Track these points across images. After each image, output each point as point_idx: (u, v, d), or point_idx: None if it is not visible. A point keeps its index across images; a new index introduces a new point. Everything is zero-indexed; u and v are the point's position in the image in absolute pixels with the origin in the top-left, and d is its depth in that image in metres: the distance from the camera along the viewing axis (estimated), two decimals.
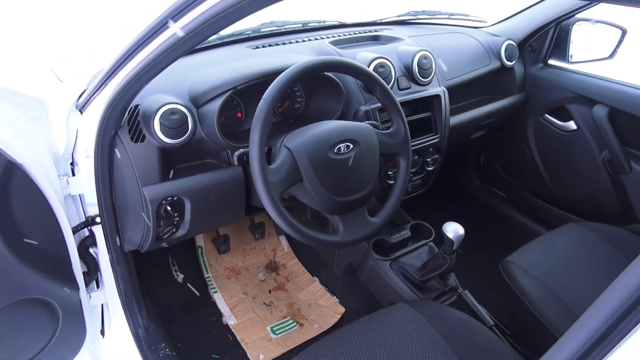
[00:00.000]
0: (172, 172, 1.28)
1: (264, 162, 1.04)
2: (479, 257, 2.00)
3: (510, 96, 1.92)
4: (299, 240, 1.12)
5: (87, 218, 1.38)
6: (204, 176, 1.30)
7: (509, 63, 1.83)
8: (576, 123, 1.81)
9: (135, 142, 1.20)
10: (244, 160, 1.21)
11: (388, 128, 1.29)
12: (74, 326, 1.36)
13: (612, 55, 1.85)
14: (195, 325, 1.71)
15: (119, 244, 1.41)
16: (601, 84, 1.73)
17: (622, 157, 1.67)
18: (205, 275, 1.88)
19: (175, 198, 1.27)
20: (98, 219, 1.37)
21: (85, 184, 1.32)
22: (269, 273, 1.95)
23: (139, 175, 1.22)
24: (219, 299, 1.81)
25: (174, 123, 1.18)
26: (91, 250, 1.46)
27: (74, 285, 1.31)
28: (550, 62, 1.92)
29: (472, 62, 1.75)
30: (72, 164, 1.36)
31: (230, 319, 1.74)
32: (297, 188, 1.14)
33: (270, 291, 1.88)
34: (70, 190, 1.33)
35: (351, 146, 1.13)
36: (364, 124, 1.19)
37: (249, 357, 1.61)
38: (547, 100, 1.90)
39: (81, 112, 1.28)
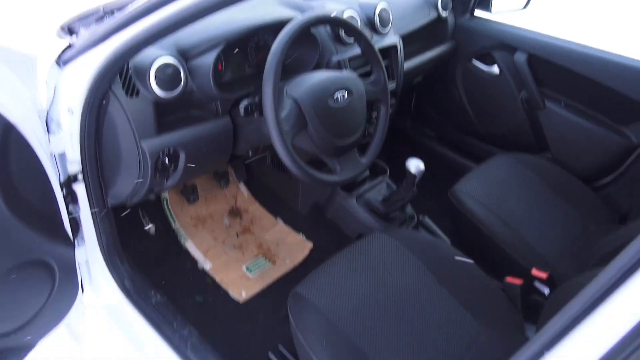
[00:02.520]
0: (164, 125, 1.31)
1: (279, 113, 1.13)
2: (423, 189, 2.27)
3: (443, 44, 2.13)
4: (306, 181, 1.24)
5: (69, 176, 1.37)
6: (197, 128, 1.35)
7: (444, 13, 2.03)
8: (499, 67, 2.08)
9: (129, 97, 1.21)
10: (249, 110, 1.28)
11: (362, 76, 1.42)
12: (68, 283, 1.37)
13: (525, 6, 2.13)
14: (173, 273, 1.78)
15: (102, 200, 1.42)
16: (521, 33, 2.00)
17: (538, 96, 1.98)
18: (174, 226, 1.92)
19: (171, 150, 1.31)
20: (80, 176, 1.36)
21: (67, 141, 1.30)
22: (233, 218, 2.04)
23: (136, 129, 1.24)
24: (190, 246, 1.88)
25: (168, 76, 1.21)
26: (70, 207, 1.45)
27: (68, 243, 1.32)
28: (476, 13, 2.15)
29: (417, 13, 1.92)
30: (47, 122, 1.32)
31: (205, 264, 1.83)
32: (300, 135, 1.24)
33: (237, 235, 1.98)
34: (52, 148, 1.31)
35: (346, 94, 1.25)
36: (353, 74, 1.31)
37: (232, 294, 1.73)
38: (474, 47, 2.14)
39: (61, 67, 1.24)
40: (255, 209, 2.09)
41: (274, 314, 1.68)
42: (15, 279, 1.19)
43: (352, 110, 1.27)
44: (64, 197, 1.40)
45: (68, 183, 1.35)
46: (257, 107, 1.29)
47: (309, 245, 1.93)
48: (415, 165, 1.54)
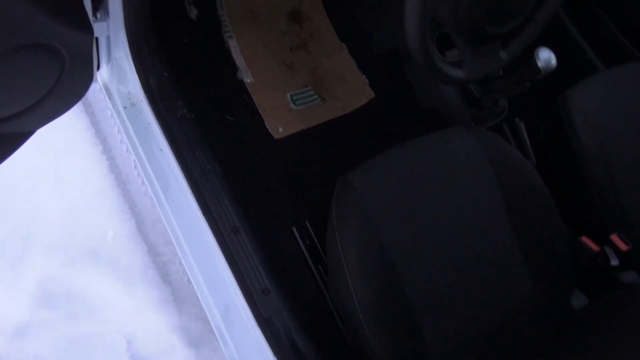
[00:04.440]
0: None
1: None
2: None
3: None
4: (418, 60, 0.87)
5: None
6: None
7: None
8: None
9: None
10: None
11: None
12: (81, 70, 1.08)
13: None
14: (207, 78, 1.47)
15: None
16: None
17: None
18: (220, 12, 1.52)
19: None
20: None
21: None
22: (291, 24, 1.64)
23: None
24: (234, 46, 1.53)
25: None
26: None
27: (85, 27, 0.98)
28: None
29: None
30: None
31: (246, 76, 1.51)
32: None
33: (291, 49, 1.61)
34: None
35: None
36: None
37: (267, 125, 1.48)
38: None
39: None
40: (321, 20, 1.67)
41: (308, 169, 1.45)
42: (15, 63, 0.90)
43: None
44: None
45: None
46: None
47: (369, 94, 1.60)
48: (545, 58, 1.14)
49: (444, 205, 1.03)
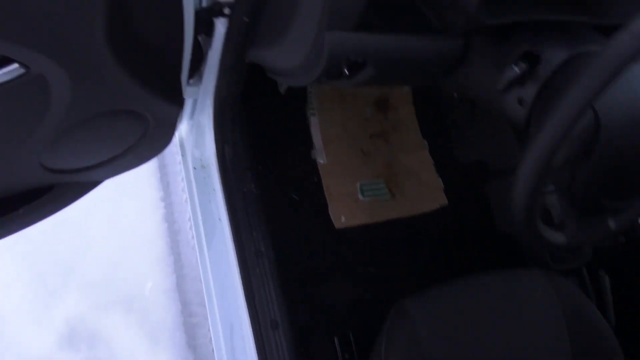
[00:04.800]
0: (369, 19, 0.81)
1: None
2: None
3: None
4: (519, 231, 0.79)
5: (215, 2, 0.95)
6: (410, 41, 0.84)
7: None
8: None
9: None
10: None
11: None
12: (162, 135, 1.06)
13: None
14: (282, 152, 1.44)
15: (242, 50, 1.02)
16: None
17: None
18: (309, 89, 1.51)
19: (359, 60, 0.84)
20: (227, 10, 0.94)
21: None
22: (377, 111, 1.60)
23: (329, 9, 0.75)
24: (314, 124, 1.50)
25: None
26: (199, 37, 1.07)
27: (176, 101, 0.97)
28: None
29: None
30: None
31: (320, 156, 1.47)
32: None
33: (371, 136, 1.57)
34: None
35: None
36: None
37: (330, 212, 1.42)
38: None
39: None
40: (407, 113, 1.62)
41: (363, 269, 1.37)
42: (101, 124, 0.89)
43: None
44: (196, 26, 1.01)
45: (208, 11, 0.94)
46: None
47: (443, 199, 1.51)
48: None
49: (502, 350, 0.93)
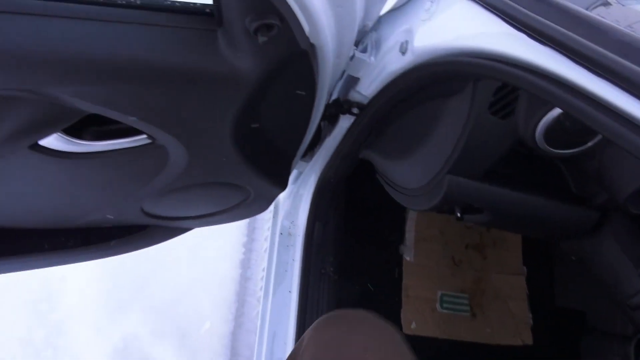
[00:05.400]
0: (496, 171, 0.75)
1: None
2: None
3: None
4: None
5: (346, 100, 0.94)
6: (538, 201, 0.76)
7: None
8: None
9: (491, 114, 0.66)
10: None
11: None
12: (259, 206, 1.07)
13: None
14: (370, 238, 1.40)
15: (357, 150, 1.01)
16: None
17: None
18: None
19: (476, 206, 0.78)
20: (356, 110, 0.93)
21: (372, 74, 0.84)
22: None
23: (461, 152, 0.71)
24: (411, 218, 1.44)
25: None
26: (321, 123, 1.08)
27: (281, 186, 0.97)
28: None
29: None
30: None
31: (408, 252, 1.41)
32: None
33: (467, 246, 1.47)
34: (350, 66, 0.86)
35: None
36: None
37: (402, 314, 1.34)
38: None
39: None
40: (512, 233, 1.51)
41: None
42: (205, 188, 0.91)
43: None
44: (322, 117, 1.01)
45: (337, 106, 0.94)
46: None
47: (528, 338, 1.37)
48: None
49: None
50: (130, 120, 0.64)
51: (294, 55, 0.61)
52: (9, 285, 1.40)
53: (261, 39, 0.53)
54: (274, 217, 1.34)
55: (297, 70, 0.66)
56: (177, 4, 0.60)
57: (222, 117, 0.67)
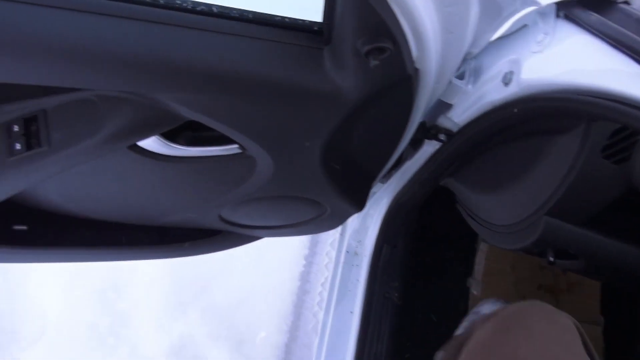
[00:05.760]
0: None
1: None
2: None
3: None
4: None
5: (434, 125, 0.92)
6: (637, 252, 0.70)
7: None
8: None
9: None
10: None
11: None
12: (332, 223, 1.06)
13: None
14: (438, 268, 1.35)
15: (437, 178, 0.98)
16: None
17: None
18: None
19: (567, 251, 0.73)
20: (443, 137, 0.90)
21: (468, 102, 0.81)
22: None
23: (569, 187, 0.66)
24: (481, 251, 1.38)
25: None
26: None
27: (359, 206, 0.95)
28: None
29: None
30: None
31: (475, 287, 1.35)
32: None
33: (539, 287, 1.39)
34: (445, 93, 0.84)
35: None
36: None
37: None
38: None
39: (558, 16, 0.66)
40: (591, 281, 1.41)
41: None
42: (284, 201, 0.91)
43: None
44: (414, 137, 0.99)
45: (424, 130, 0.92)
46: None
47: None
48: None
49: None
50: (226, 130, 0.65)
51: (398, 79, 0.60)
52: (83, 271, 1.47)
53: (373, 62, 0.52)
54: (341, 234, 1.33)
55: (398, 93, 0.64)
56: (287, 20, 0.60)
57: (315, 135, 0.67)
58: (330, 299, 1.26)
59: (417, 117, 0.74)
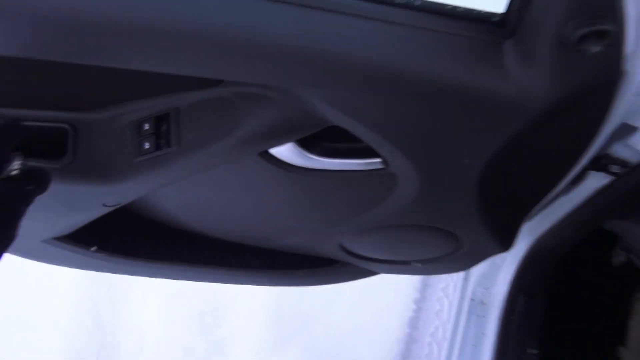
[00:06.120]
0: None
1: None
2: None
3: None
4: None
5: (601, 155, 0.77)
6: None
7: None
8: None
9: None
10: None
11: None
12: (465, 262, 0.92)
13: None
14: (582, 331, 1.14)
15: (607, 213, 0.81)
16: None
17: None
18: None
19: None
20: (616, 169, 0.75)
21: None
22: None
23: None
24: (638, 313, 1.15)
25: None
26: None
27: (504, 244, 0.81)
28: None
29: None
30: None
31: (629, 358, 1.12)
32: None
33: None
34: (628, 114, 0.69)
35: None
36: None
37: None
38: None
39: None
40: None
41: None
42: (417, 231, 0.79)
43: None
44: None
45: (593, 163, 0.77)
46: None
47: None
48: None
49: None
50: (373, 137, 0.55)
51: (603, 82, 0.47)
52: (184, 292, 1.45)
53: (594, 47, 0.40)
54: (464, 278, 1.17)
55: (593, 102, 0.51)
56: (459, 9, 0.50)
57: (479, 150, 0.55)
58: (450, 354, 1.10)
59: (602, 137, 0.60)
